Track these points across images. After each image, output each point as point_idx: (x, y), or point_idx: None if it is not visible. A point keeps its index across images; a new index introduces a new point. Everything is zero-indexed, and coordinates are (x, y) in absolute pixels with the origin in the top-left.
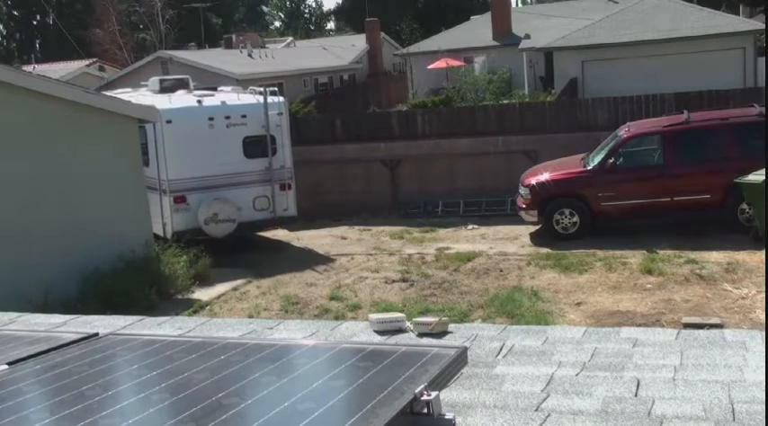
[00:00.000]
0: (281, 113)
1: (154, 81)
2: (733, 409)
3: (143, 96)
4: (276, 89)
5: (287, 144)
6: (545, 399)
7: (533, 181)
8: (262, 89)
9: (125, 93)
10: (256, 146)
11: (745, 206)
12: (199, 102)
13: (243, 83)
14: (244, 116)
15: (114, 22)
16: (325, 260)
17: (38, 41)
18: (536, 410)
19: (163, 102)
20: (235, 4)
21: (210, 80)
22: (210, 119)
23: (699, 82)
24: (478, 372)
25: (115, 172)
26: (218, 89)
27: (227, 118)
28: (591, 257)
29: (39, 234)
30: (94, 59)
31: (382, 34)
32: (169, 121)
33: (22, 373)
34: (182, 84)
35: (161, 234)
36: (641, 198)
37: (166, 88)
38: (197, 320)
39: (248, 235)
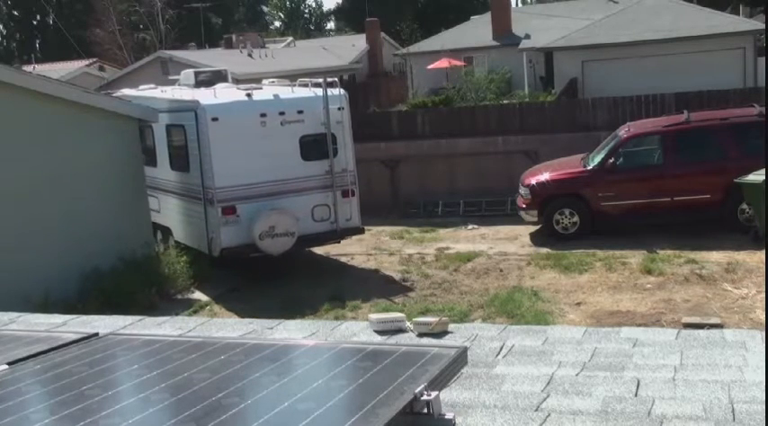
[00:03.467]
0: (343, 108)
1: (187, 74)
2: (733, 409)
3: (180, 91)
4: (336, 80)
5: (349, 143)
6: (545, 399)
7: (533, 181)
8: (320, 80)
9: (149, 89)
10: (315, 147)
11: (745, 206)
12: (248, 95)
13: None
14: (300, 112)
15: (114, 22)
16: (326, 260)
17: (38, 41)
18: (536, 410)
19: (206, 96)
20: (235, 4)
21: None
22: (263, 115)
23: (699, 82)
24: (478, 372)
25: (115, 172)
26: (262, 82)
27: (282, 114)
28: (591, 257)
29: (39, 234)
30: (94, 59)
31: (382, 34)
32: (215, 119)
33: (22, 373)
34: (220, 77)
35: (205, 251)
36: (641, 198)
37: (203, 82)
38: (197, 320)
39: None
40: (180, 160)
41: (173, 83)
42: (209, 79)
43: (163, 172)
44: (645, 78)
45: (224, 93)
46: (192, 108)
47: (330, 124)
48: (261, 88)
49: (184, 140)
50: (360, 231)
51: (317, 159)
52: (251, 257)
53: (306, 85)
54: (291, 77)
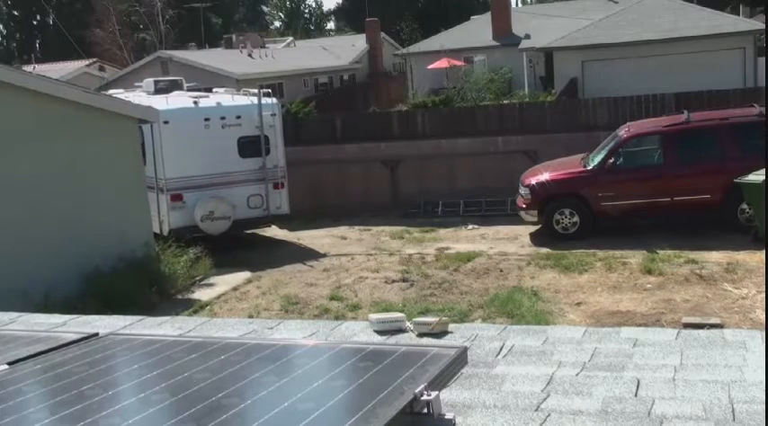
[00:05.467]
0: (275, 114)
1: (148, 82)
2: (733, 409)
3: (139, 97)
4: (270, 90)
5: (280, 144)
6: (545, 399)
7: (533, 181)
8: (256, 90)
9: (118, 94)
10: (251, 146)
11: (745, 206)
12: (195, 103)
13: (243, 82)
14: (238, 117)
15: (114, 22)
16: (326, 260)
17: (38, 41)
18: (536, 410)
19: (160, 102)
20: (235, 4)
21: (210, 80)
22: (206, 119)
23: (699, 82)
24: (478, 372)
25: (115, 172)
26: (213, 90)
27: (223, 118)
28: (591, 257)
29: (39, 233)
30: (94, 59)
31: (382, 34)
32: (166, 122)
33: (22, 373)
34: (176, 85)
35: (158, 231)
36: (641, 198)
37: (161, 89)
38: (197, 320)
39: (248, 235)
40: None
41: (138, 89)
42: (166, 87)
43: None
44: (645, 78)
45: (175, 100)
46: None
47: (263, 127)
48: (207, 96)
49: (142, 139)
50: (288, 218)
51: (252, 156)
52: (250, 256)
53: (246, 94)
54: (291, 77)
